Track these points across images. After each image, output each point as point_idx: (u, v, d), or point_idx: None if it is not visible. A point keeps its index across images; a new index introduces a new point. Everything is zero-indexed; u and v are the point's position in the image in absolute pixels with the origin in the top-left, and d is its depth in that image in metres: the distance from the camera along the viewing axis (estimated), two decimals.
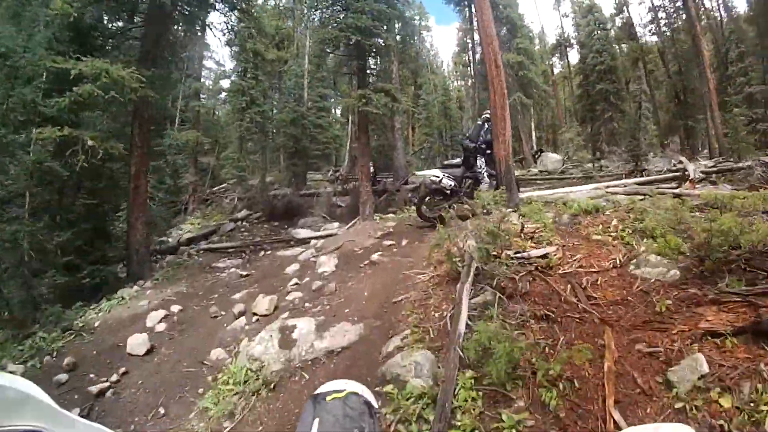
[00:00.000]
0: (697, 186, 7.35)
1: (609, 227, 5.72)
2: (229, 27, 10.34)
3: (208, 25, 10.73)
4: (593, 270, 4.66)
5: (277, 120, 20.88)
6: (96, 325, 6.45)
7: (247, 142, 19.97)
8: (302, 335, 4.37)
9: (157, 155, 14.37)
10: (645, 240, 5.04)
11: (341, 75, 14.09)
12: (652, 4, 25.62)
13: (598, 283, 4.39)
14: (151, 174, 12.67)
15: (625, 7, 27.39)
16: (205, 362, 4.84)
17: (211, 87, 27.56)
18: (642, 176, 11.73)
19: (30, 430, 0.71)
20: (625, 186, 8.65)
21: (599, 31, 28.57)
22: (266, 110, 20.86)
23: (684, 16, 23.44)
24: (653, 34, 26.44)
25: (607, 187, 8.73)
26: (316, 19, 11.63)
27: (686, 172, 8.62)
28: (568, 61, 41.40)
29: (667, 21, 25.41)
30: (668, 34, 25.31)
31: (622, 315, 3.75)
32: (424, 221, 8.14)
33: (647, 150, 19.19)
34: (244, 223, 14.39)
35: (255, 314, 5.64)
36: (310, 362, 4.19)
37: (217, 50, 36.37)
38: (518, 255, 4.90)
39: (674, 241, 4.43)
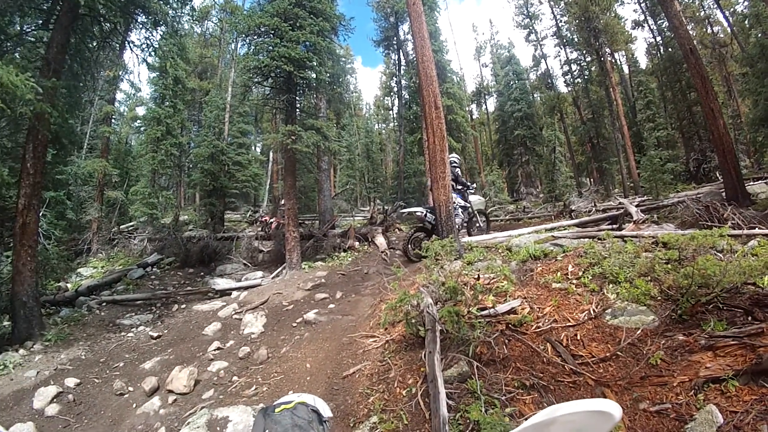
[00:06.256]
0: (641, 227, 7.36)
1: (567, 274, 5.35)
2: (150, 44, 9.08)
3: (128, 42, 9.40)
4: (569, 324, 4.18)
5: (194, 154, 19.42)
6: None
7: (160, 176, 18.34)
8: None
9: (59, 185, 12.40)
10: (610, 286, 4.70)
11: (268, 109, 13.22)
12: (567, 58, 27.84)
13: (578, 338, 3.93)
14: (49, 207, 10.87)
15: (543, 60, 29.63)
16: None
17: (125, 113, 25.42)
18: (572, 217, 11.99)
19: None
20: (565, 228, 8.60)
21: (517, 81, 30.75)
22: (183, 143, 19.40)
23: (594, 68, 25.82)
24: (567, 84, 28.64)
25: (548, 230, 8.62)
26: (246, 46, 10.75)
27: (627, 214, 8.73)
28: (486, 108, 43.98)
29: (580, 73, 27.72)
30: (582, 84, 27.53)
31: (615, 373, 3.40)
32: (411, 261, 8.57)
33: (564, 191, 20.28)
34: (154, 269, 12.66)
35: (171, 391, 4.51)
36: None
37: (134, 72, 33.76)
38: (484, 312, 4.31)
39: (644, 286, 4.20)
